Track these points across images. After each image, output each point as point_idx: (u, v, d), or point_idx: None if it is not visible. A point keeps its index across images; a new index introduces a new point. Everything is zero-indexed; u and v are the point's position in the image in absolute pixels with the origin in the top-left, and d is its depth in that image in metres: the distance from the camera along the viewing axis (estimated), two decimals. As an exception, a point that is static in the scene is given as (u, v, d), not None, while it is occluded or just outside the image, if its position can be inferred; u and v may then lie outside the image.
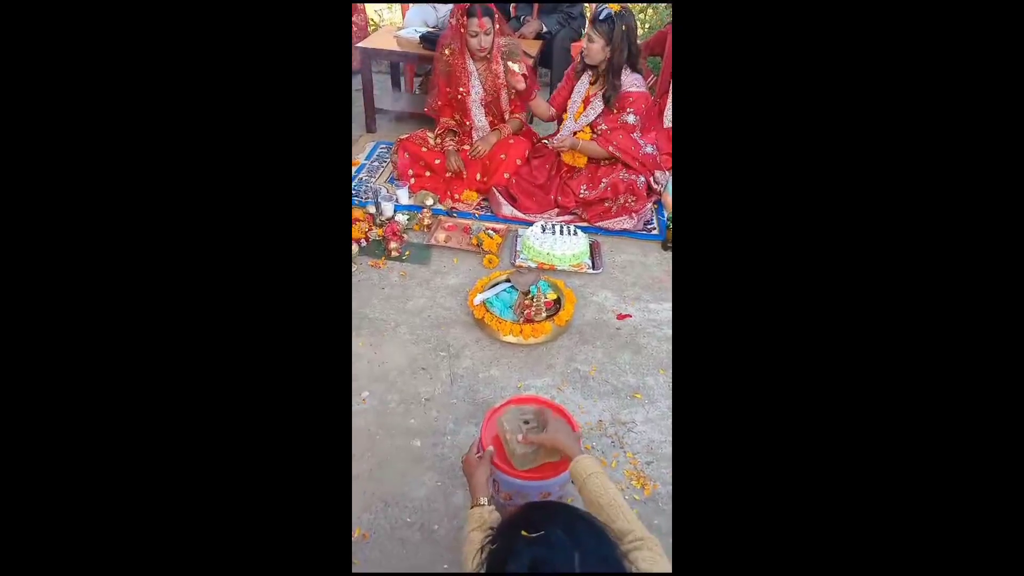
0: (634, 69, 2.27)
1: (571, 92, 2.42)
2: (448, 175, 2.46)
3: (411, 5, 3.22)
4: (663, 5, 4.17)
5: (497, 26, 2.31)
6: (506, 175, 2.43)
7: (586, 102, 2.37)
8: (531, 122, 2.77)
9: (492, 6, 2.31)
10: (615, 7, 2.16)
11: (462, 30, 2.28)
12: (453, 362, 1.73)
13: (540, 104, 2.48)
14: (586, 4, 3.26)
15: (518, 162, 2.45)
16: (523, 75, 2.33)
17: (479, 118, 2.46)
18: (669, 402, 1.65)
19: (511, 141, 2.48)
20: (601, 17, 2.17)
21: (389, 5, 5.16)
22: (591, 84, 2.35)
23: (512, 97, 2.47)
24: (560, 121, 2.49)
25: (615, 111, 2.31)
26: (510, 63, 2.33)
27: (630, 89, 2.28)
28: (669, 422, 1.59)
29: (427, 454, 1.48)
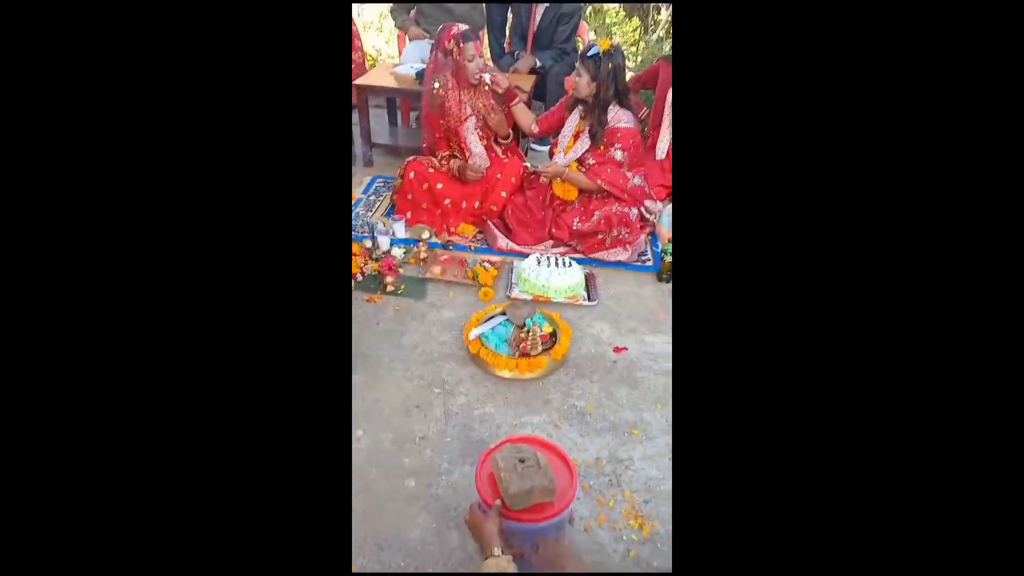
0: (622, 105, 2.31)
1: (561, 122, 2.46)
2: (475, 175, 2.47)
3: (408, 42, 3.29)
4: (655, 38, 4.26)
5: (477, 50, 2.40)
6: (503, 193, 2.45)
7: (576, 136, 2.41)
8: (520, 143, 2.80)
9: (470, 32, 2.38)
10: (604, 45, 2.21)
11: (457, 57, 2.33)
12: (447, 399, 1.72)
13: (523, 111, 2.52)
14: (579, 39, 3.34)
15: (513, 179, 2.47)
16: (498, 81, 2.41)
17: (475, 144, 2.49)
18: (667, 438, 1.63)
19: (505, 159, 2.52)
20: (589, 54, 2.22)
21: (387, 40, 5.28)
22: (581, 119, 2.38)
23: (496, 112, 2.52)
24: (551, 155, 2.52)
25: (602, 147, 2.34)
26: (485, 76, 2.39)
27: (618, 125, 2.31)
28: (667, 459, 1.57)
29: (421, 494, 1.46)
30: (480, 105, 2.46)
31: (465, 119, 2.43)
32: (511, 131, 2.56)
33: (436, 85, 2.40)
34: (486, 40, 3.42)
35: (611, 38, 4.56)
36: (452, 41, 2.32)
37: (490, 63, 2.52)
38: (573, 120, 2.41)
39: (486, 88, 2.42)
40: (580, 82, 2.26)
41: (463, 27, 2.34)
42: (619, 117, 2.31)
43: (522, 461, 1.19)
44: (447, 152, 2.51)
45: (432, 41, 3.21)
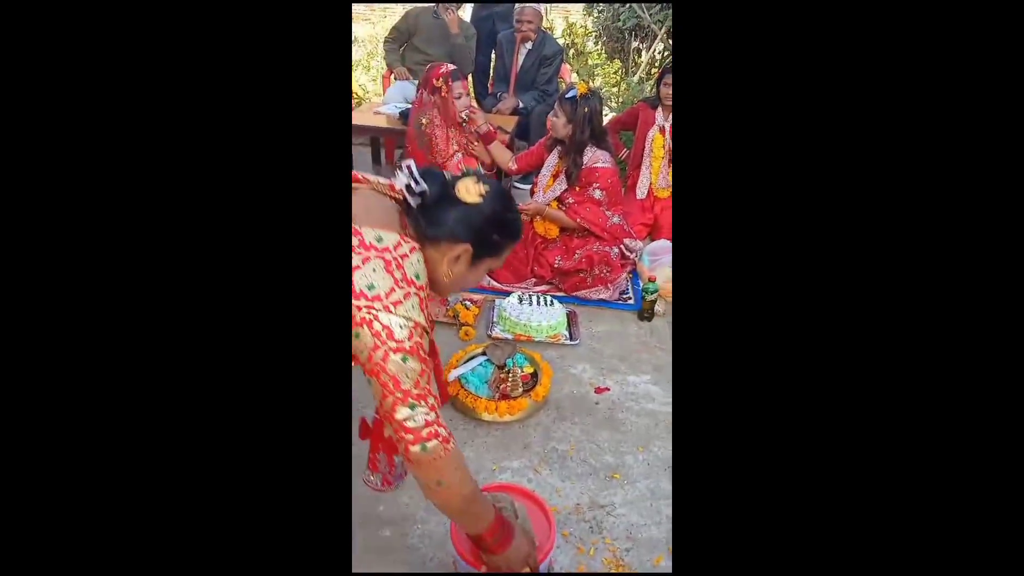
0: (599, 147, 2.35)
1: (541, 160, 2.50)
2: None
3: (392, 81, 3.34)
4: (636, 79, 4.38)
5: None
6: None
7: (555, 176, 2.44)
8: (501, 180, 2.83)
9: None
10: (583, 88, 2.26)
11: (445, 95, 2.36)
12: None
13: (500, 149, 2.56)
14: (561, 80, 3.42)
15: None
16: (478, 118, 2.46)
17: None
18: (648, 482, 1.60)
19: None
20: (567, 96, 2.27)
21: (374, 78, 5.38)
22: (560, 159, 2.42)
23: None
24: (531, 193, 2.55)
25: (579, 188, 2.37)
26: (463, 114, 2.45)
27: (596, 165, 2.34)
28: (649, 504, 1.54)
29: (396, 544, 1.41)
30: (465, 142, 2.49)
31: (452, 155, 2.46)
32: (494, 169, 2.59)
33: (424, 121, 2.43)
34: (470, 81, 3.49)
35: (593, 80, 4.70)
36: (440, 80, 2.36)
37: (474, 103, 2.57)
38: (552, 160, 2.45)
39: (466, 125, 2.46)
40: (557, 123, 2.32)
41: (451, 67, 2.40)
42: (597, 158, 2.35)
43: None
44: None
45: (416, 82, 3.28)
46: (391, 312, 0.84)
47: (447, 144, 2.45)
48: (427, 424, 0.88)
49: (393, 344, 0.84)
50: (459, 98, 2.38)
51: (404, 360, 0.85)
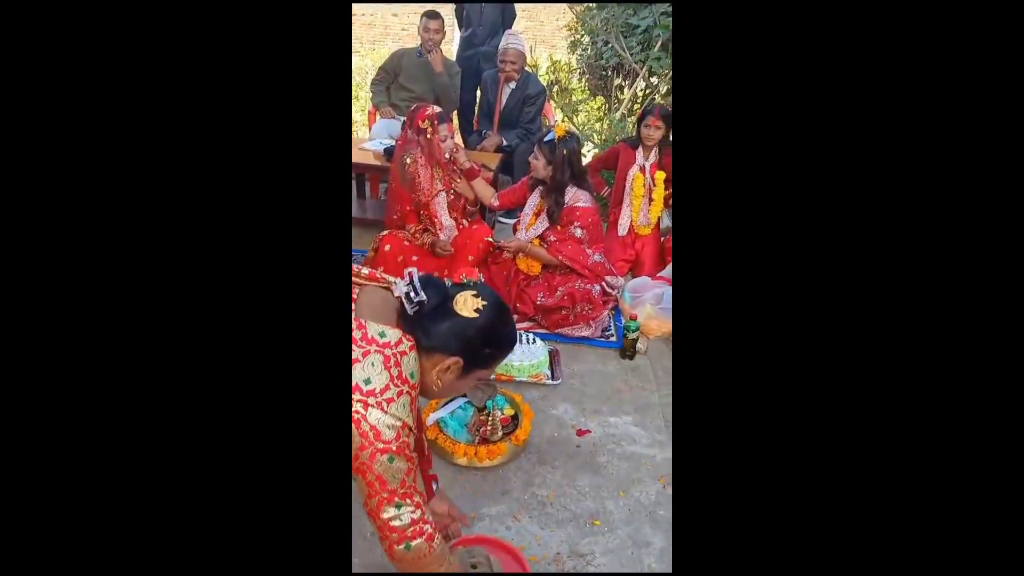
0: (580, 186, 2.39)
1: (524, 198, 2.53)
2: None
3: (378, 119, 3.38)
4: (618, 116, 4.48)
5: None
6: (470, 257, 2.48)
7: (537, 214, 2.47)
8: (485, 216, 2.85)
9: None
10: (560, 131, 2.31)
11: (430, 136, 2.39)
12: (403, 490, 1.65)
13: (483, 186, 2.58)
14: (545, 119, 3.48)
15: (480, 245, 2.51)
16: (460, 157, 2.49)
17: (445, 218, 2.52)
18: (629, 528, 1.58)
19: (474, 227, 2.56)
20: (545, 139, 2.32)
21: (362, 108, 5.44)
22: (542, 198, 2.45)
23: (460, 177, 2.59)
24: (514, 230, 2.57)
25: (560, 226, 2.40)
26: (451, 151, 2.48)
27: (577, 204, 2.38)
28: (629, 552, 1.51)
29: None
30: (449, 180, 2.51)
31: (436, 194, 2.47)
32: (477, 205, 2.61)
33: (408, 160, 2.45)
34: (455, 117, 3.54)
35: (576, 115, 4.78)
36: (426, 122, 2.39)
37: (459, 140, 2.61)
38: (534, 199, 2.48)
39: (451, 162, 2.49)
40: (538, 164, 2.36)
41: (437, 109, 2.43)
42: (577, 197, 2.39)
43: (474, 567, 1.13)
44: (419, 226, 2.53)
45: (402, 119, 3.32)
46: (383, 410, 0.85)
47: (431, 183, 2.47)
48: (413, 523, 0.90)
49: (381, 444, 0.85)
50: (444, 140, 2.40)
51: (391, 460, 0.86)
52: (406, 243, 2.49)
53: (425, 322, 0.91)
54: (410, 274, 0.92)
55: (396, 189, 2.52)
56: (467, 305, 0.92)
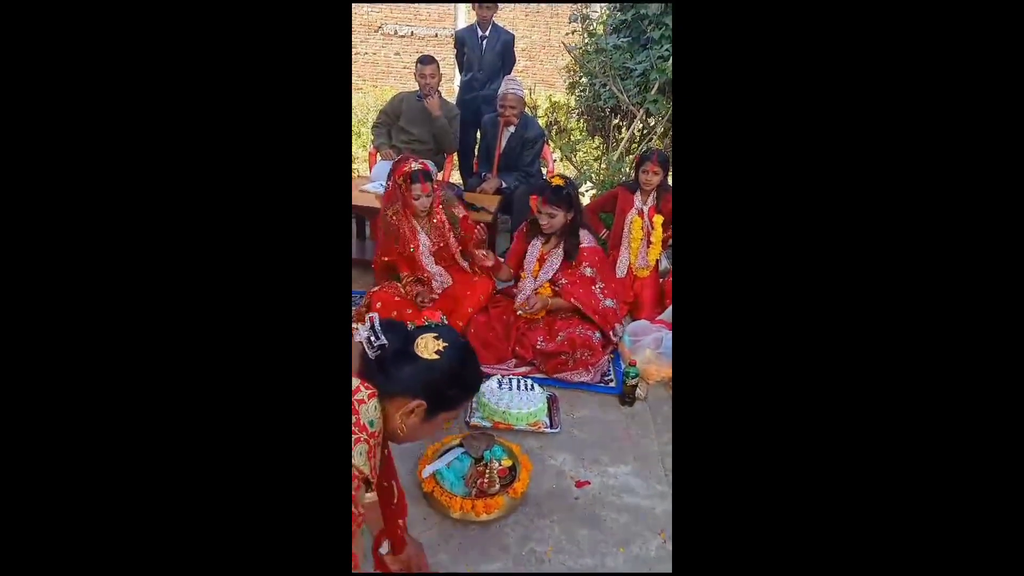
0: (584, 226, 2.43)
1: (524, 252, 2.53)
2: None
3: (378, 160, 3.42)
4: (615, 156, 4.54)
5: (434, 184, 2.47)
6: (469, 309, 2.46)
7: (540, 262, 2.48)
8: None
9: (427, 168, 2.46)
10: (559, 181, 2.34)
11: (405, 193, 2.41)
12: (398, 547, 1.61)
13: (504, 271, 2.59)
14: (543, 161, 3.53)
15: (481, 298, 2.49)
16: (484, 255, 2.46)
17: (431, 266, 2.53)
18: (630, 589, 1.54)
19: (476, 279, 2.54)
20: (562, 192, 2.33)
21: (363, 144, 5.52)
22: (543, 245, 2.47)
23: (459, 246, 2.58)
24: (518, 279, 2.57)
25: (572, 265, 2.41)
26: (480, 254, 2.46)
27: (583, 245, 2.41)
28: (630, 615, 1.47)
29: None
30: (435, 236, 2.51)
31: (417, 246, 2.49)
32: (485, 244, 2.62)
33: (389, 213, 2.47)
34: (456, 161, 3.59)
35: (573, 157, 4.85)
36: (400, 178, 2.41)
37: (447, 194, 2.61)
38: (535, 247, 2.49)
39: (445, 228, 2.49)
40: (556, 219, 2.36)
41: (415, 166, 2.40)
42: (583, 237, 2.42)
43: None
44: (410, 276, 2.54)
45: (402, 161, 3.36)
46: None
47: (413, 235, 2.49)
48: None
49: None
50: (417, 199, 2.40)
51: None
52: (397, 298, 2.49)
53: (387, 366, 0.92)
54: (371, 319, 0.93)
55: (382, 241, 2.55)
56: (428, 348, 0.92)
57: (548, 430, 2.07)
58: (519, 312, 2.45)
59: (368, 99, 7.38)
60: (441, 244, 2.54)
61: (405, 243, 2.48)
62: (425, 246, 2.50)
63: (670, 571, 1.58)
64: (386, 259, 2.57)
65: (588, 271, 2.43)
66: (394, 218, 2.47)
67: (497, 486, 1.74)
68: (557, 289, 2.44)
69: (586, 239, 2.46)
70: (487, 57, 3.68)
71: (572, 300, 2.40)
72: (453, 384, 0.95)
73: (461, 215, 2.55)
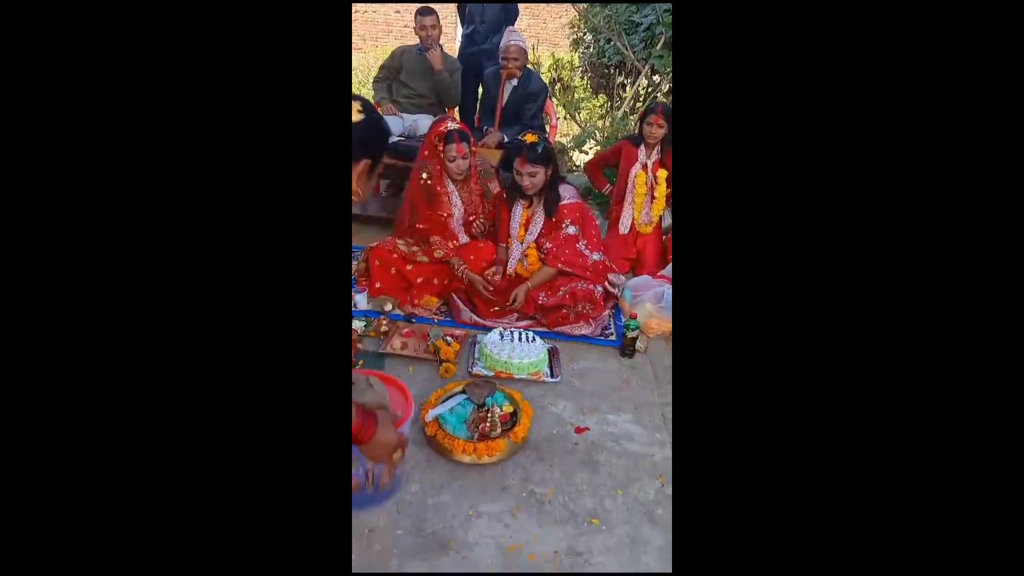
0: (561, 181, 2.42)
1: (508, 220, 2.51)
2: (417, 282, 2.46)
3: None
4: (620, 114, 4.47)
5: (473, 149, 2.41)
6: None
7: (525, 226, 2.46)
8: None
9: (467, 130, 2.41)
10: (532, 138, 2.31)
11: (440, 155, 2.36)
12: (401, 486, 1.64)
13: (501, 252, 2.57)
14: (546, 115, 3.47)
15: (484, 264, 2.49)
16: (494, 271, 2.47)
17: (462, 236, 2.51)
18: (627, 527, 1.57)
19: (481, 244, 2.53)
20: (539, 151, 2.30)
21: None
22: (525, 208, 2.46)
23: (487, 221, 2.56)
24: (506, 247, 2.55)
25: (554, 220, 2.40)
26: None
27: (563, 202, 2.39)
28: (627, 551, 1.51)
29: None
30: (468, 204, 2.48)
31: (451, 214, 2.45)
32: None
33: (424, 176, 2.42)
34: (457, 115, 3.53)
35: (577, 115, 4.77)
36: (437, 138, 2.36)
37: (484, 163, 2.55)
38: (518, 211, 2.47)
39: (478, 199, 2.45)
40: (536, 179, 2.34)
41: (452, 126, 2.35)
42: (563, 193, 2.40)
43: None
44: (439, 236, 2.45)
45: (403, 116, 3.31)
46: None
47: (448, 200, 2.44)
48: None
49: None
50: (452, 161, 2.36)
51: None
52: (395, 255, 2.47)
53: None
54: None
55: (418, 202, 2.46)
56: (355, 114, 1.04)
57: (549, 380, 2.09)
58: (511, 307, 2.41)
59: (368, 58, 7.23)
60: (471, 217, 2.49)
61: (438, 207, 2.42)
62: (459, 213, 2.46)
63: (667, 512, 1.62)
64: (421, 227, 2.48)
65: (571, 229, 2.40)
66: (429, 181, 2.40)
67: (498, 430, 1.76)
68: (543, 254, 2.43)
69: (567, 195, 2.44)
70: (489, 10, 3.59)
71: (559, 265, 2.39)
72: (370, 130, 1.07)
73: (496, 190, 2.49)
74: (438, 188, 2.42)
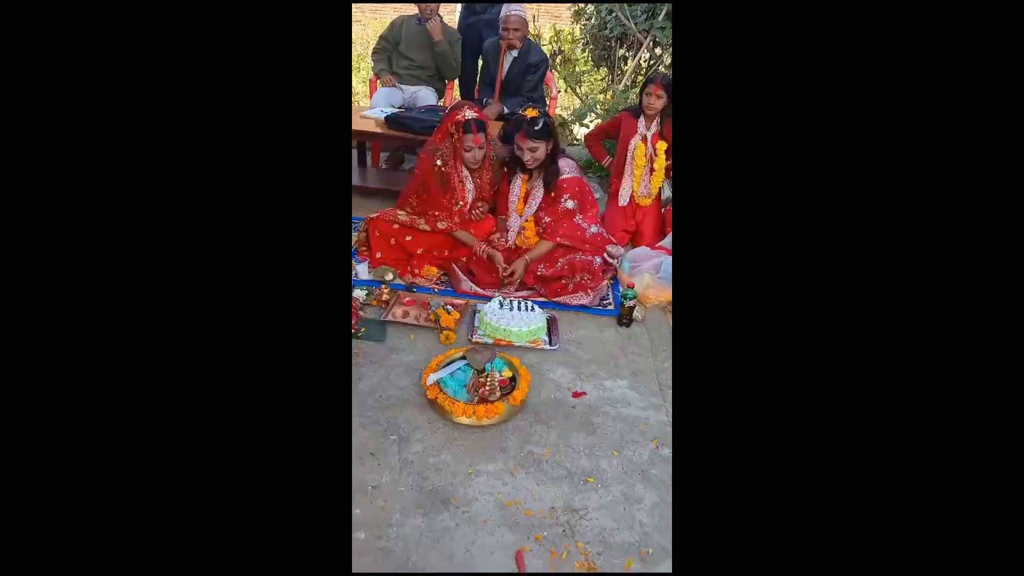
0: (561, 156, 2.43)
1: (507, 194, 2.52)
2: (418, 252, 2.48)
3: (379, 87, 3.36)
4: (621, 87, 4.44)
5: (489, 137, 2.40)
6: (468, 252, 2.48)
7: (524, 199, 2.48)
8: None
9: (483, 118, 2.39)
10: (533, 112, 2.33)
11: (457, 144, 2.36)
12: (403, 447, 1.69)
13: (501, 223, 2.58)
14: (547, 87, 3.45)
15: (486, 238, 2.51)
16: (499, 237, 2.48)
17: (477, 217, 2.54)
18: (622, 486, 1.62)
19: (481, 219, 2.55)
20: (538, 127, 2.31)
21: (363, 80, 5.39)
22: (524, 182, 2.47)
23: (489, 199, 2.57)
24: (505, 219, 2.56)
25: (553, 195, 2.41)
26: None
27: (563, 176, 2.41)
28: (621, 508, 1.56)
29: (370, 547, 1.42)
30: (481, 192, 2.48)
31: (466, 202, 2.45)
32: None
33: (439, 163, 2.40)
34: (456, 87, 3.52)
35: (578, 88, 4.73)
36: (454, 127, 2.34)
37: (498, 156, 2.53)
38: (517, 184, 2.49)
39: (491, 187, 2.45)
40: (537, 154, 2.36)
41: (470, 114, 2.33)
42: (563, 167, 2.41)
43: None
44: (448, 219, 2.45)
45: (403, 88, 3.30)
46: None
47: (462, 188, 2.43)
48: None
49: None
50: (469, 151, 2.34)
51: None
52: (395, 226, 2.47)
53: None
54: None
55: (427, 185, 2.44)
56: None
57: (547, 347, 2.14)
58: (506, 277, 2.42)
59: (367, 32, 7.13)
60: (478, 204, 2.51)
61: (452, 193, 2.41)
62: (471, 200, 2.46)
63: (661, 473, 1.67)
64: (438, 214, 2.44)
65: (570, 203, 2.42)
66: (443, 167, 2.38)
67: (498, 394, 1.81)
68: (541, 228, 2.45)
69: (566, 169, 2.45)
70: (489, -20, 3.54)
71: (558, 239, 2.41)
72: None
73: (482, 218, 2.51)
74: (453, 176, 2.40)
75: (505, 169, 2.51)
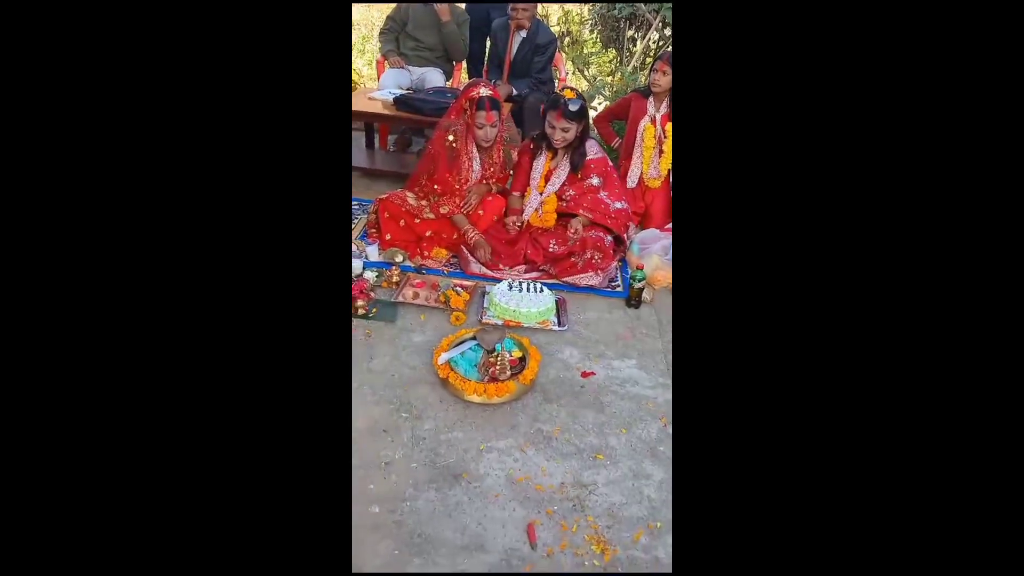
0: (589, 138, 2.46)
1: (529, 170, 2.52)
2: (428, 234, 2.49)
3: (386, 69, 3.34)
4: (630, 69, 4.40)
5: (503, 117, 2.40)
6: (482, 230, 2.50)
7: (546, 177, 2.49)
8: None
9: (498, 97, 2.38)
10: (571, 94, 2.32)
11: (469, 121, 2.36)
12: (415, 424, 1.72)
13: (514, 201, 2.58)
14: (555, 69, 3.43)
15: (495, 218, 2.52)
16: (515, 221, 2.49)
17: (472, 200, 2.54)
18: (631, 462, 1.65)
19: (490, 198, 2.56)
20: (574, 108, 2.32)
21: (368, 62, 5.36)
22: (548, 160, 2.48)
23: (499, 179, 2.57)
24: (521, 195, 2.58)
25: (580, 175, 2.43)
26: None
27: (589, 156, 2.43)
28: (630, 484, 1.59)
29: (384, 521, 1.45)
30: (488, 171, 2.49)
31: (469, 179, 2.45)
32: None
33: (451, 138, 2.41)
34: (464, 68, 3.50)
35: (586, 70, 4.69)
36: (467, 103, 2.34)
37: (511, 137, 2.56)
38: (540, 162, 2.49)
39: (497, 167, 2.45)
40: (570, 133, 2.37)
41: (484, 92, 2.33)
42: (588, 148, 2.42)
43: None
44: (451, 196, 2.47)
45: (410, 69, 3.28)
46: None
47: (469, 165, 2.44)
48: None
49: None
50: (481, 128, 2.35)
51: None
52: (404, 208, 2.48)
53: None
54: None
55: (440, 159, 2.45)
56: None
57: (556, 328, 2.15)
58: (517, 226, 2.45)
59: (372, 13, 7.06)
60: (484, 180, 2.51)
61: (458, 170, 2.42)
62: (476, 175, 2.47)
63: (669, 449, 1.69)
64: (438, 188, 2.46)
65: (595, 180, 2.46)
66: (455, 142, 2.39)
67: (508, 373, 1.83)
68: (564, 203, 2.46)
69: (592, 150, 2.46)
70: (497, -42, 3.50)
71: (581, 211, 2.43)
72: None
73: (516, 158, 2.50)
74: (461, 152, 2.41)
75: (531, 145, 2.51)
